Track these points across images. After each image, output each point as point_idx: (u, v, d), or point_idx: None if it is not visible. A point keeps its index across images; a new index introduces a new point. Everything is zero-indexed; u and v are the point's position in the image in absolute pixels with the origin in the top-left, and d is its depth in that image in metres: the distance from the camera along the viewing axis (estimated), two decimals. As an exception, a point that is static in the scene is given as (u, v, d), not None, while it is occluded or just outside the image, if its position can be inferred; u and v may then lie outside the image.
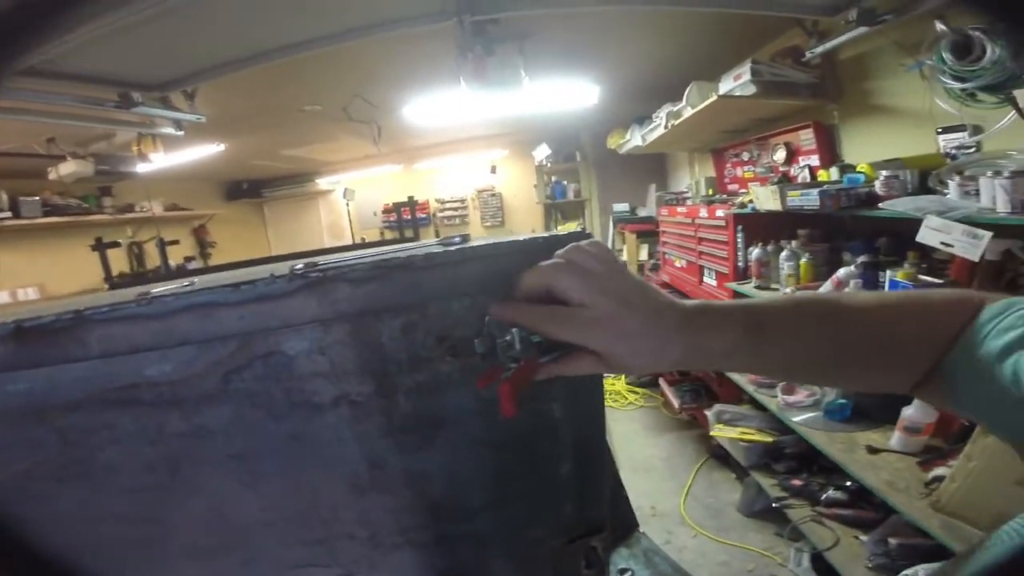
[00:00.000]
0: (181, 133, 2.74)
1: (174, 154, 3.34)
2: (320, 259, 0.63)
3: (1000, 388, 0.37)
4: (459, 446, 0.52)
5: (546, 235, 0.52)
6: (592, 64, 2.92)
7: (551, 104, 3.02)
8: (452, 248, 0.48)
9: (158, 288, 0.72)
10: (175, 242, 5.15)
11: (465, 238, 0.59)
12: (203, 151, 3.69)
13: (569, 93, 2.90)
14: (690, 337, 0.42)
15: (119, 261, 4.65)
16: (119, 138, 3.11)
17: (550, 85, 2.69)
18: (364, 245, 1.95)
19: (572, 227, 5.93)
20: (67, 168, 3.37)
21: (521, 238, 0.52)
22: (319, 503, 0.51)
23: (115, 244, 4.54)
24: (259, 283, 0.45)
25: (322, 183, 6.56)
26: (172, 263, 5.09)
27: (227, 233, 6.23)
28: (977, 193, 1.46)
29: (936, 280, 1.62)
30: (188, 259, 5.62)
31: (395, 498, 0.52)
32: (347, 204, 5.55)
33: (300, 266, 0.52)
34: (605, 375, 0.56)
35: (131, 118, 2.49)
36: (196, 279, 1.00)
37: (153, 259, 5.13)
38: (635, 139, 4.01)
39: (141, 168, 3.38)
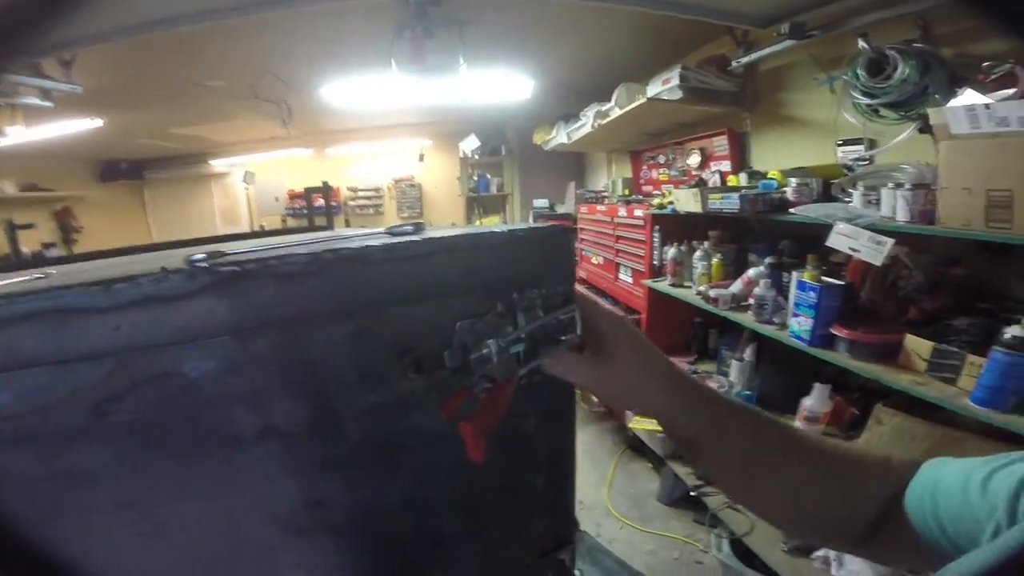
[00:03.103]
0: (49, 104, 2.32)
1: (37, 128, 2.84)
2: (224, 247, 0.51)
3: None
4: (427, 474, 0.43)
5: (524, 227, 0.44)
6: (527, 58, 2.87)
7: (484, 95, 2.93)
8: (415, 238, 0.38)
9: (2, 281, 0.56)
10: (29, 226, 4.41)
11: (419, 227, 0.49)
12: (76, 126, 3.17)
13: (504, 85, 2.83)
14: (674, 386, 0.47)
15: (-45, 246, 3.90)
16: (-35, 107, 2.57)
17: (486, 75, 2.60)
18: (270, 232, 1.74)
19: (495, 220, 5.88)
20: (-101, 139, 2.73)
21: (492, 230, 0.44)
22: (247, 548, 0.40)
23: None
24: (143, 280, 0.33)
25: (217, 165, 5.93)
26: (27, 251, 4.36)
27: (98, 218, 5.46)
28: (878, 202, 1.58)
29: (837, 281, 1.74)
30: (47, 245, 4.87)
31: (349, 536, 0.42)
32: (246, 188, 5.05)
33: (200, 256, 0.40)
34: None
35: (-13, 84, 2.05)
36: (53, 270, 0.81)
37: (3, 246, 4.36)
38: (561, 136, 4.03)
39: (-7, 142, 2.82)
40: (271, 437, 0.37)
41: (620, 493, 2.70)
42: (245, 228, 5.39)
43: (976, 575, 0.31)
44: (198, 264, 0.33)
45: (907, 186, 1.43)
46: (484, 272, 0.39)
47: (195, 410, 0.35)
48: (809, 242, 1.92)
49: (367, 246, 0.35)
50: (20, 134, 2.76)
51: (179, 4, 1.80)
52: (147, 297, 0.33)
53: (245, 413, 0.36)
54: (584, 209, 3.98)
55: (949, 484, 0.40)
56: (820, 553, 1.63)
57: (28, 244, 4.50)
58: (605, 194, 4.41)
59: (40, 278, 0.60)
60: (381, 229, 0.51)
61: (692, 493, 2.26)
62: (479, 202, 6.04)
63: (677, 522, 2.41)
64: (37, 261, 3.68)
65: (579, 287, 0.47)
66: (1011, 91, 1.31)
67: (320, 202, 5.11)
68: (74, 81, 2.24)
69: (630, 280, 3.20)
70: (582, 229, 3.98)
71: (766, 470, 0.48)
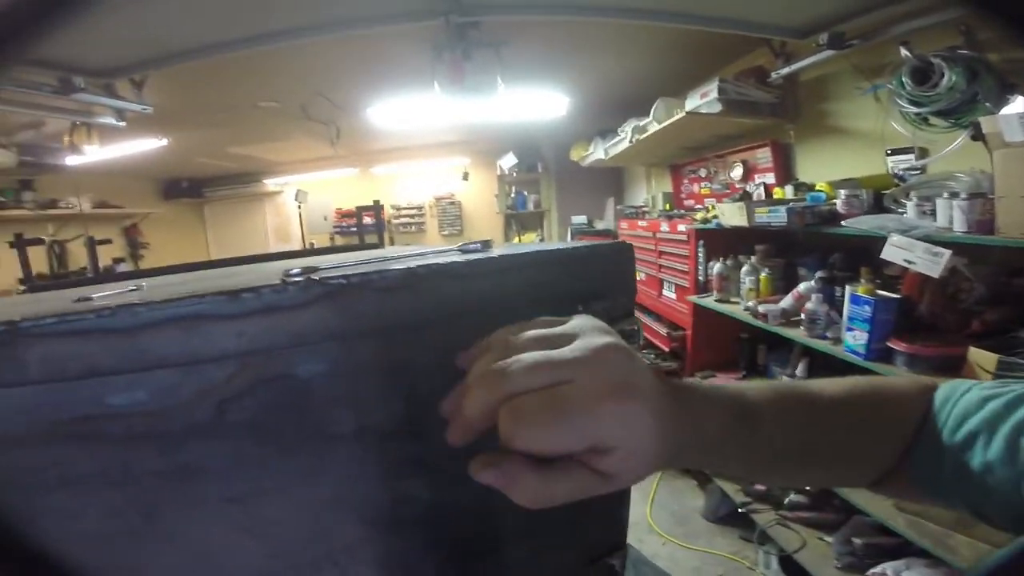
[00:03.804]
0: (123, 124, 2.52)
1: (110, 147, 3.08)
2: (301, 264, 0.56)
3: (971, 472, 0.38)
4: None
5: (589, 244, 0.48)
6: (564, 75, 2.94)
7: (521, 113, 3.00)
8: (492, 255, 0.43)
9: (98, 293, 0.61)
10: (107, 241, 4.75)
11: (487, 244, 0.53)
12: (143, 145, 3.42)
13: (541, 103, 2.90)
14: (689, 418, 0.33)
15: (37, 261, 4.24)
16: (49, 127, 2.83)
17: (523, 93, 2.67)
18: (333, 249, 1.84)
19: (532, 237, 5.94)
20: (-12, 159, 3.03)
21: (560, 247, 0.47)
22: (333, 544, 0.44)
23: (39, 241, 4.13)
24: (265, 291, 0.38)
25: (269, 184, 6.25)
26: (100, 265, 4.69)
27: (162, 234, 5.83)
28: (933, 213, 1.54)
29: (892, 295, 1.69)
30: (117, 260, 5.21)
31: (422, 535, 0.46)
32: (299, 207, 5.30)
33: (296, 271, 0.45)
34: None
35: (68, 105, 2.26)
36: (143, 283, 0.88)
37: (76, 260, 4.71)
38: (598, 152, 4.06)
39: (71, 161, 3.09)
40: (367, 435, 0.41)
41: (663, 510, 2.65)
42: (296, 246, 5.63)
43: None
44: (312, 277, 0.38)
45: (963, 196, 1.39)
46: (553, 285, 0.42)
47: (304, 409, 0.39)
48: (860, 255, 1.87)
49: (454, 262, 0.40)
50: (95, 153, 2.99)
51: (235, 29, 1.94)
52: (268, 306, 0.37)
53: (347, 413, 0.40)
54: (624, 225, 3.98)
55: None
56: (877, 570, 1.57)
57: (100, 259, 4.85)
58: (645, 209, 4.39)
59: (134, 290, 0.65)
60: (450, 247, 0.55)
61: (740, 510, 2.20)
62: (517, 219, 6.11)
63: (723, 539, 2.35)
64: (109, 275, 3.97)
65: None
66: (1064, 97, 1.27)
67: (368, 220, 5.30)
68: (145, 102, 2.41)
69: (674, 296, 3.17)
70: (623, 244, 3.97)
71: (788, 469, 0.43)
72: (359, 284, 0.38)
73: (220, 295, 0.38)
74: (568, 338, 0.31)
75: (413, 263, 0.40)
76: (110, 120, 2.51)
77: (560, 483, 0.29)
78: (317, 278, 0.38)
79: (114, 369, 0.36)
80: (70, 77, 2.02)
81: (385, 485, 0.44)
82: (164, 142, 3.56)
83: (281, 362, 0.39)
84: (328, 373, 0.39)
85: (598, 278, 0.45)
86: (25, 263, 3.67)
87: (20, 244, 3.64)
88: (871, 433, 0.44)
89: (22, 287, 3.84)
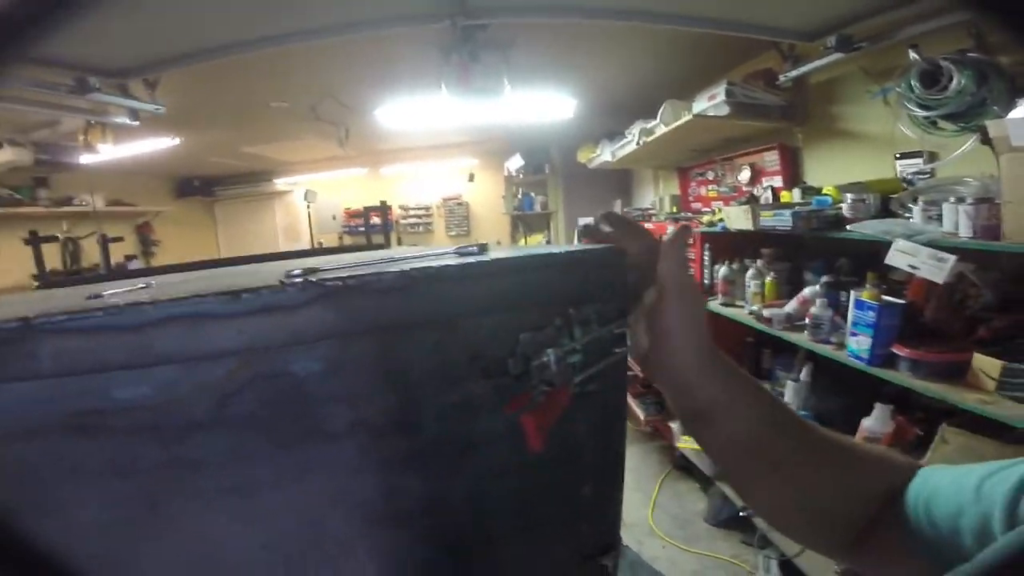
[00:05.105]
0: (136, 124, 2.56)
1: (124, 146, 3.13)
2: (307, 264, 0.57)
3: None
4: (486, 472, 0.48)
5: (582, 248, 0.49)
6: (570, 77, 2.94)
7: (528, 115, 3.01)
8: (485, 259, 0.44)
9: (108, 290, 0.63)
10: (119, 239, 4.82)
11: (483, 247, 0.54)
12: (156, 144, 3.47)
13: (547, 105, 2.90)
14: (707, 348, 0.46)
15: (52, 258, 4.31)
16: (65, 126, 2.88)
17: (530, 95, 2.68)
18: (340, 249, 1.86)
19: (539, 239, 5.94)
20: (3, 156, 3.10)
21: (552, 251, 0.48)
22: (327, 537, 0.45)
23: (53, 238, 4.20)
24: (264, 292, 0.39)
25: (279, 183, 6.31)
26: (112, 262, 4.76)
27: (173, 232, 5.90)
28: (939, 217, 1.53)
29: (897, 300, 1.69)
30: (129, 258, 5.28)
31: (415, 529, 0.47)
32: (308, 206, 5.35)
33: (297, 272, 0.47)
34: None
35: (83, 104, 2.30)
36: (152, 280, 0.90)
37: (89, 257, 4.78)
38: (605, 154, 4.06)
39: (85, 159, 3.14)
40: (360, 430, 0.42)
41: (665, 513, 2.65)
42: (305, 245, 5.67)
43: None
44: (309, 279, 0.40)
45: (969, 200, 1.38)
46: (545, 289, 0.44)
47: (300, 405, 0.41)
48: (867, 260, 1.86)
49: (447, 265, 0.41)
50: (109, 151, 3.05)
51: (246, 31, 1.97)
52: (267, 306, 0.39)
53: (341, 408, 0.41)
54: (631, 226, 3.97)
55: (942, 488, 0.39)
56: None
57: (112, 256, 4.92)
58: (652, 212, 4.38)
59: (143, 288, 0.67)
60: (448, 249, 0.56)
61: (741, 514, 2.20)
62: (524, 220, 6.12)
63: (723, 543, 2.35)
64: (120, 272, 4.03)
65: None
66: (1072, 101, 1.26)
67: (375, 220, 5.33)
68: (158, 102, 2.45)
69: (678, 298, 3.15)
70: (629, 247, 3.96)
71: (772, 454, 0.45)
72: (356, 286, 0.39)
73: (222, 295, 0.39)
74: None
75: (409, 266, 0.41)
76: (124, 120, 2.56)
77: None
78: (315, 279, 0.39)
79: (121, 364, 0.37)
80: (85, 77, 2.06)
81: (378, 479, 0.45)
82: (177, 141, 3.61)
83: (279, 359, 0.40)
84: (324, 371, 0.40)
85: (590, 282, 0.46)
86: (39, 260, 3.74)
87: (35, 241, 3.70)
88: (854, 477, 0.46)
89: (36, 283, 3.92)
